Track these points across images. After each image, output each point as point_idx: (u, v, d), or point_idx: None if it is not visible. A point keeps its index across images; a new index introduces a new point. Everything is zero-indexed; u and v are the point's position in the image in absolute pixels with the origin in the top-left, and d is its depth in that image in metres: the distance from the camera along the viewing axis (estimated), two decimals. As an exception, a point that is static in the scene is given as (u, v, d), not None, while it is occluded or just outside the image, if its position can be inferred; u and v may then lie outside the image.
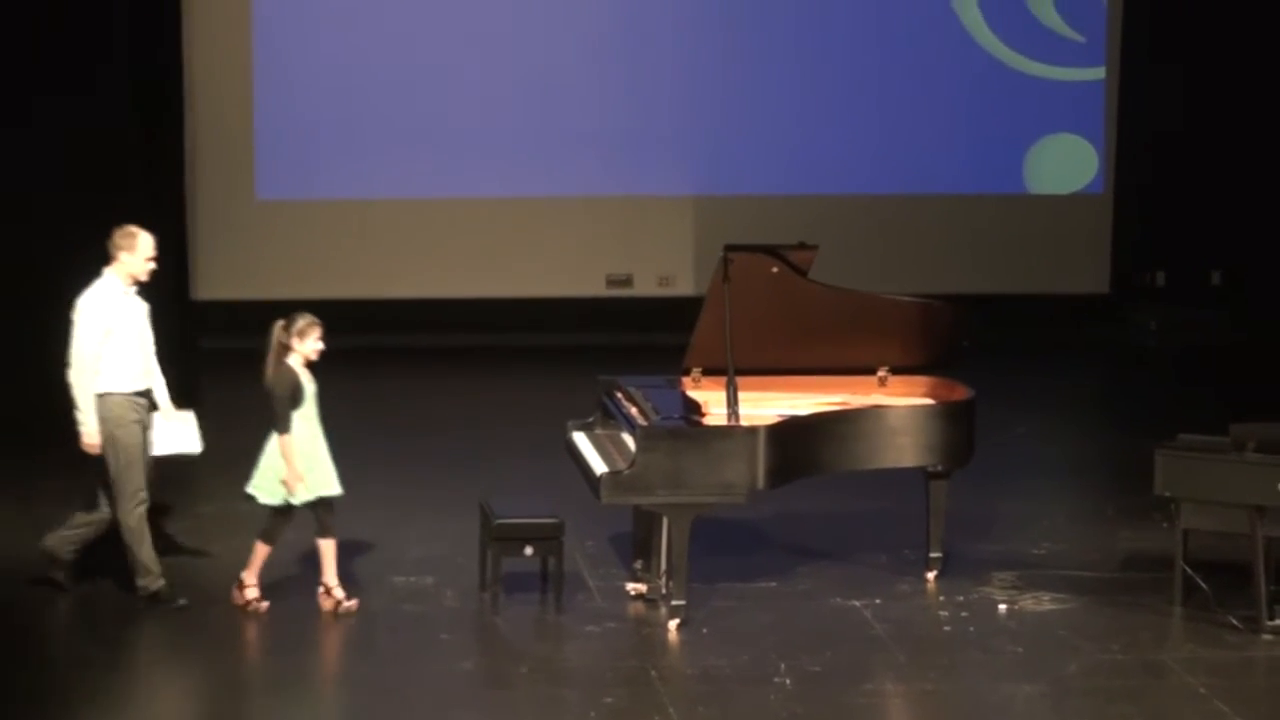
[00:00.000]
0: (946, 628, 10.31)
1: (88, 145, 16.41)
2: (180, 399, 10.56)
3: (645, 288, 17.56)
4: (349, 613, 10.24)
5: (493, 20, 17.23)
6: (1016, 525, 12.02)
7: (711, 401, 10.43)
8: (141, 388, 10.28)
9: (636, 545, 10.74)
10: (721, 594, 10.60)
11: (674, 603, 10.15)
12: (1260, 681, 9.69)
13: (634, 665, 9.73)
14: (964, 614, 10.47)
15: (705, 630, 10.13)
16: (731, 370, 10.22)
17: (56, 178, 16.36)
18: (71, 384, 10.16)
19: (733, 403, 10.16)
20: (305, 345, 10.15)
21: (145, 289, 16.31)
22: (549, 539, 10.34)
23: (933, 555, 10.95)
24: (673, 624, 10.13)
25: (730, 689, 9.41)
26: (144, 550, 10.22)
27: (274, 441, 10.14)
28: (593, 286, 17.54)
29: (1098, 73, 17.83)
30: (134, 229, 10.38)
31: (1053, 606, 10.59)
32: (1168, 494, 10.42)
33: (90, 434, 10.13)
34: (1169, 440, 10.49)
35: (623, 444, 10.34)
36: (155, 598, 10.23)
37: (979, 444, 10.83)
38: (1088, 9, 17.79)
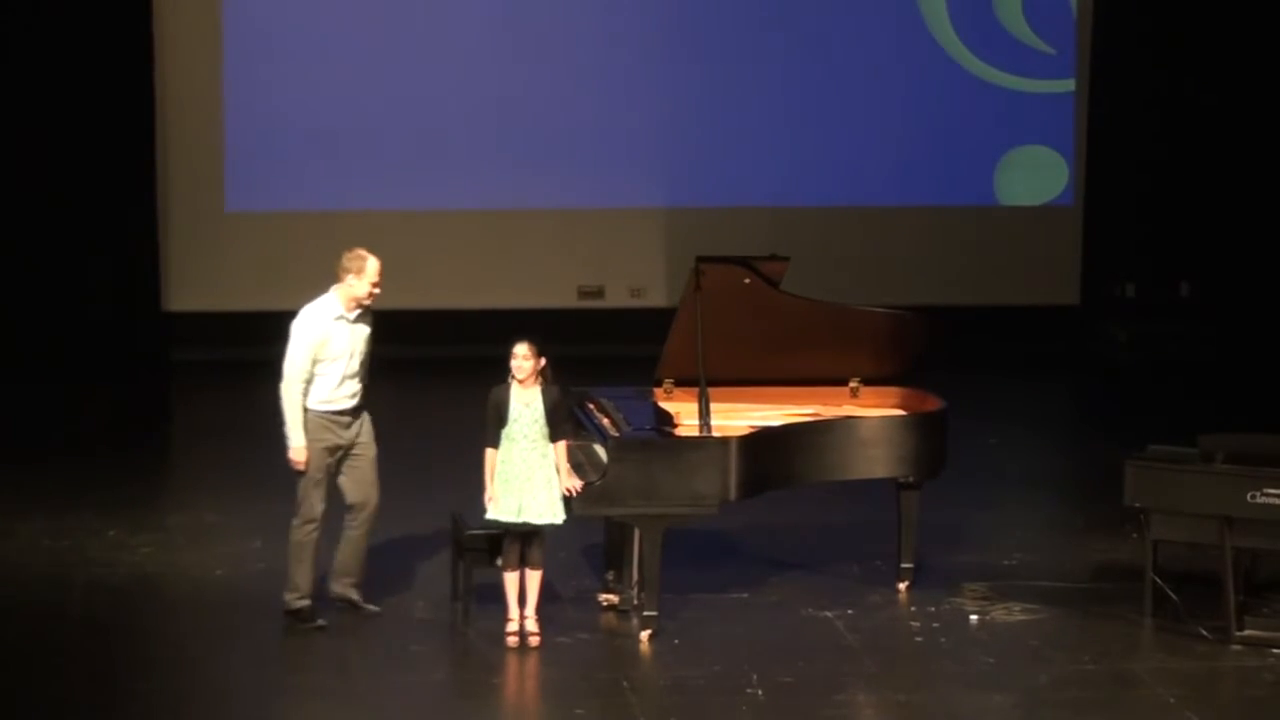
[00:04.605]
0: (918, 638, 10.32)
1: (59, 157, 16.40)
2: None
3: (617, 299, 17.54)
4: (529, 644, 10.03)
5: (463, 34, 17.21)
6: (988, 536, 12.03)
7: (683, 413, 10.43)
8: (341, 408, 10.18)
9: (608, 556, 10.73)
10: (693, 605, 10.59)
11: (646, 614, 10.14)
12: (1229, 692, 9.71)
13: (606, 676, 9.72)
14: (935, 625, 10.48)
15: (677, 641, 10.13)
16: (703, 381, 10.22)
17: (28, 190, 16.35)
18: (281, 396, 10.07)
19: (705, 414, 10.16)
20: (512, 362, 9.95)
21: (114, 299, 16.39)
22: (521, 550, 10.32)
23: (904, 566, 10.96)
24: (644, 635, 10.12)
25: (702, 700, 9.41)
26: (298, 569, 10.13)
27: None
28: (564, 298, 17.51)
29: (1068, 84, 17.86)
30: (363, 252, 10.19)
31: (1024, 617, 10.60)
32: (1137, 505, 10.44)
33: (297, 450, 10.06)
34: (1138, 451, 10.51)
35: (594, 455, 10.33)
36: (296, 615, 10.13)
37: (950, 455, 10.85)
38: (1058, 21, 17.81)
